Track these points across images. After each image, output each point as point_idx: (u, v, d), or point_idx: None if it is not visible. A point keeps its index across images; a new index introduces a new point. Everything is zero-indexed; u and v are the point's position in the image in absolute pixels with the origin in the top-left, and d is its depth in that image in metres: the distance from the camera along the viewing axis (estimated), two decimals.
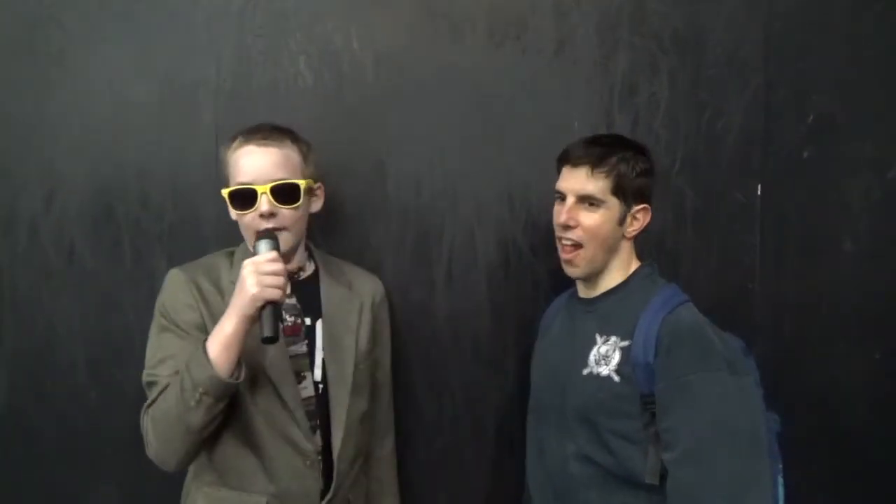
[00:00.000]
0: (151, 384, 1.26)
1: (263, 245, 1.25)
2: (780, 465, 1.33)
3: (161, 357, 1.27)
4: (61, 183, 1.59)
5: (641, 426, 1.25)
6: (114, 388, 1.60)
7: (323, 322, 1.39)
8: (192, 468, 1.36)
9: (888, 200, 1.74)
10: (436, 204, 1.66)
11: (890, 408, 1.74)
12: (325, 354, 1.37)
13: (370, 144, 1.64)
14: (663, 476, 1.22)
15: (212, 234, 1.60)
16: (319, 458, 1.32)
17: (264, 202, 1.28)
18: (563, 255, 1.37)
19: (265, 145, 1.32)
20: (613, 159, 1.32)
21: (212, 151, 1.59)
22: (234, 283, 1.31)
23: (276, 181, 1.29)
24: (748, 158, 1.72)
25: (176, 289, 1.32)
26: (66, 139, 1.59)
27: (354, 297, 1.46)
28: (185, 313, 1.30)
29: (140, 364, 1.55)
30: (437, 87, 1.66)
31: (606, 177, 1.32)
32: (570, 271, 1.38)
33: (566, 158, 1.38)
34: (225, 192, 1.32)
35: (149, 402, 1.24)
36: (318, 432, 1.34)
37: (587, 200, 1.33)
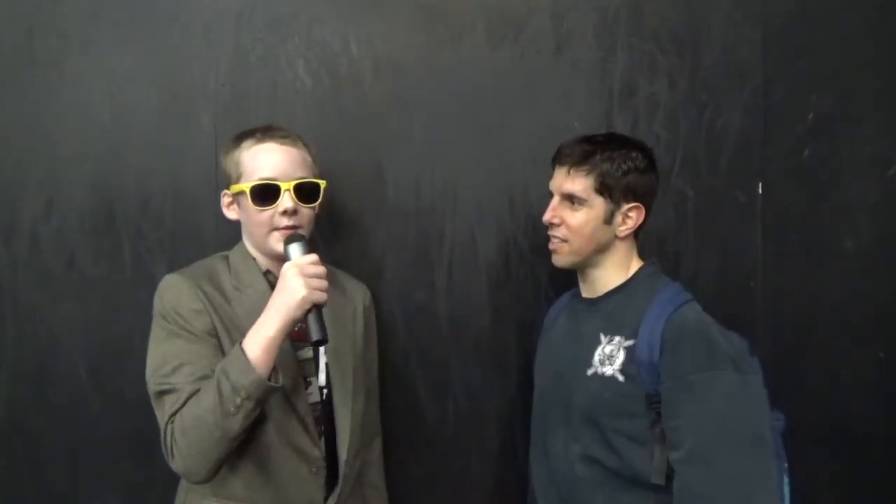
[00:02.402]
0: (166, 392, 1.20)
1: (297, 248, 1.24)
2: (786, 465, 1.32)
3: (176, 364, 1.21)
4: (61, 190, 1.59)
5: (647, 426, 1.24)
6: (115, 394, 1.59)
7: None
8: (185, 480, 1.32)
9: (889, 198, 1.73)
10: (435, 206, 1.66)
11: (893, 407, 1.74)
12: (328, 358, 1.36)
13: (369, 147, 1.64)
14: (670, 476, 1.21)
15: (212, 239, 1.60)
16: (324, 464, 1.31)
17: (287, 199, 1.29)
18: (549, 245, 1.40)
19: (285, 144, 1.33)
20: (596, 158, 1.32)
21: (211, 156, 1.59)
22: (237, 288, 1.31)
23: (298, 179, 1.31)
24: (748, 157, 1.72)
25: (181, 294, 1.27)
26: (65, 146, 1.58)
27: (348, 302, 1.47)
28: (196, 319, 1.25)
29: (140, 368, 1.54)
30: (436, 90, 1.66)
31: (587, 176, 1.33)
32: (555, 260, 1.41)
33: (554, 157, 1.41)
34: (246, 187, 1.28)
35: (172, 411, 1.17)
36: (323, 438, 1.33)
37: (569, 199, 1.35)
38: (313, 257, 1.22)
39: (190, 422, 1.16)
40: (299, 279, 1.17)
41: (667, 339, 1.23)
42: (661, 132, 1.70)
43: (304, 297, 1.16)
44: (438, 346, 1.67)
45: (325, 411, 1.34)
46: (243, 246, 1.38)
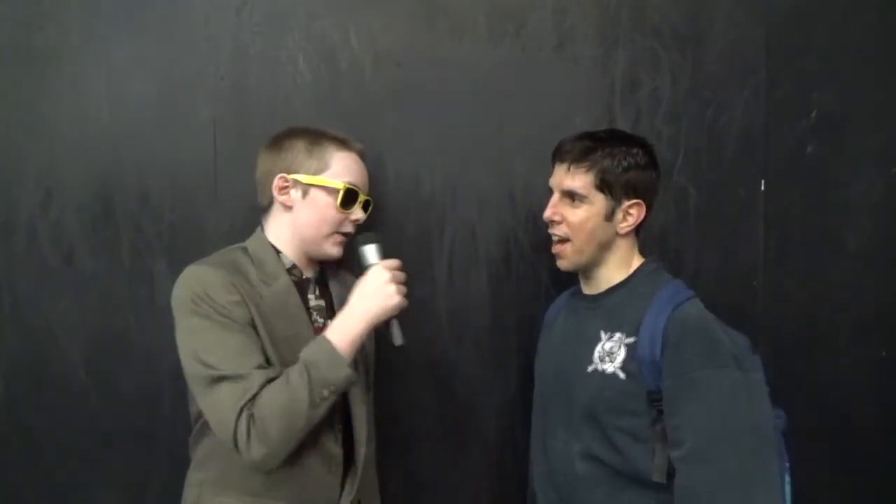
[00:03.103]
0: (226, 379, 1.17)
1: (377, 250, 1.28)
2: (788, 464, 1.31)
3: (228, 352, 1.19)
4: (59, 183, 1.57)
5: (648, 423, 1.23)
6: (113, 390, 1.58)
7: None
8: (198, 474, 1.30)
9: (892, 196, 1.73)
10: (436, 201, 1.65)
11: (895, 405, 1.73)
12: None
13: (369, 142, 1.60)
14: (671, 474, 1.21)
15: (211, 232, 1.59)
16: (342, 462, 1.32)
17: (360, 210, 1.37)
18: (553, 249, 1.38)
19: (363, 159, 1.41)
20: (597, 154, 1.31)
21: (210, 150, 1.59)
22: (263, 280, 1.30)
23: (367, 196, 1.40)
24: (751, 154, 1.71)
25: (214, 284, 1.23)
26: (63, 139, 1.57)
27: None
28: (236, 309, 1.23)
29: (139, 363, 1.56)
30: (436, 85, 1.65)
31: (587, 172, 1.31)
32: (559, 263, 1.39)
33: (554, 153, 1.39)
34: (340, 185, 1.32)
35: (247, 398, 1.15)
36: (341, 437, 1.33)
37: (570, 196, 1.33)
38: (398, 262, 1.26)
39: (277, 410, 1.15)
40: (393, 286, 1.22)
41: (669, 335, 1.21)
42: (663, 129, 1.69)
43: (397, 304, 1.22)
44: (438, 342, 1.66)
45: (342, 409, 1.34)
46: (264, 238, 1.37)
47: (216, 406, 1.18)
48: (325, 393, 1.17)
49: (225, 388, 1.17)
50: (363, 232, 1.33)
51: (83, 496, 1.59)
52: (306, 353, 1.20)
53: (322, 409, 1.18)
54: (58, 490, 1.59)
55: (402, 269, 1.27)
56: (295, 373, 1.17)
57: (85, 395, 1.58)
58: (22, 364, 1.58)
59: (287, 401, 1.15)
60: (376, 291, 1.22)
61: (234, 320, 1.22)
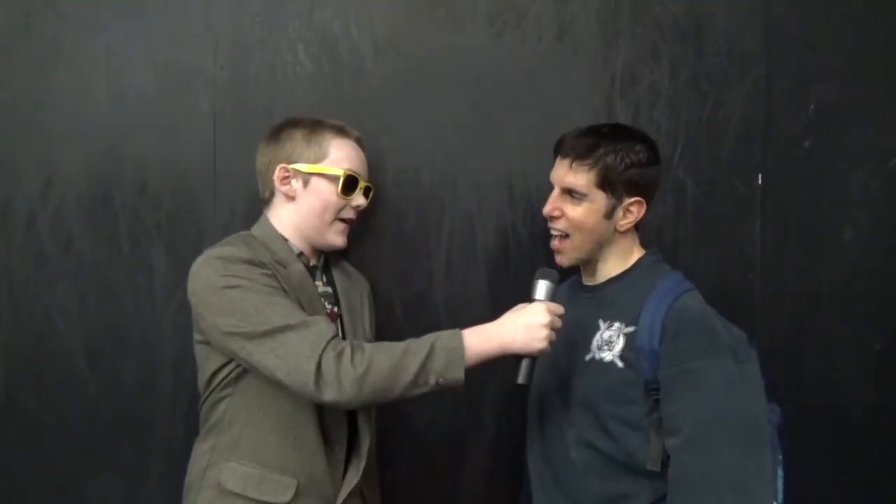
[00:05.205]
0: (290, 328, 1.17)
1: (549, 288, 1.27)
2: (780, 457, 1.32)
3: (288, 307, 1.21)
4: (58, 172, 1.57)
5: (644, 413, 1.24)
6: (112, 378, 1.59)
7: (344, 310, 1.41)
8: (209, 441, 1.30)
9: (889, 190, 1.73)
10: (434, 192, 1.65)
11: (890, 399, 1.74)
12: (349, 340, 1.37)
13: (368, 132, 1.61)
14: (665, 463, 1.22)
15: (210, 222, 1.59)
16: (346, 443, 1.34)
17: (361, 196, 1.40)
18: (552, 245, 1.38)
19: (361, 146, 1.44)
20: (600, 151, 1.30)
21: (210, 139, 1.59)
22: (280, 263, 1.31)
23: (367, 182, 1.43)
24: (749, 148, 1.71)
25: (243, 260, 1.24)
26: (62, 128, 1.57)
27: (355, 286, 1.50)
28: (270, 280, 1.24)
29: (138, 352, 1.56)
30: (437, 76, 1.65)
31: (590, 170, 1.31)
32: (558, 259, 1.39)
33: (556, 148, 1.39)
34: (340, 172, 1.35)
35: (325, 341, 1.16)
36: (345, 421, 1.34)
37: (570, 193, 1.33)
38: (562, 310, 1.25)
39: (385, 368, 1.17)
40: (546, 331, 1.21)
41: (668, 326, 1.22)
42: (662, 121, 1.69)
43: (541, 349, 1.22)
44: None
45: None
46: (270, 226, 1.38)
47: (286, 355, 1.17)
48: (431, 381, 1.18)
49: (293, 337, 1.17)
50: (546, 267, 1.31)
51: (82, 483, 1.60)
52: (439, 337, 1.21)
53: (420, 392, 1.19)
54: (57, 477, 1.59)
55: (562, 316, 1.25)
56: (417, 346, 1.20)
57: (84, 384, 1.59)
58: (21, 352, 1.58)
59: (396, 365, 1.17)
60: (529, 328, 1.21)
61: (272, 287, 1.23)
